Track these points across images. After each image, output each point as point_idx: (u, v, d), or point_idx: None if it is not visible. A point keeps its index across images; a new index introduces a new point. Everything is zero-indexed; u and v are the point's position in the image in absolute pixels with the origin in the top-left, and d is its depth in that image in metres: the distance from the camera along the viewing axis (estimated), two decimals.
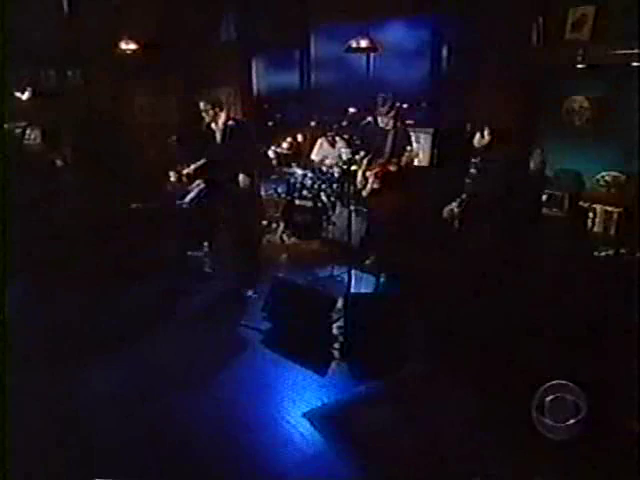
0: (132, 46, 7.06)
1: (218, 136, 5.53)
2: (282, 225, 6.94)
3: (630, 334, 3.49)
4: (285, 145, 7.59)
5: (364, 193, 5.85)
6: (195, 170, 5.76)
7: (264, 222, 7.06)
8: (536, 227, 5.24)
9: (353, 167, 5.81)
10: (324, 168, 7.00)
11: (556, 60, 5.88)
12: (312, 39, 8.04)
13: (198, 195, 5.78)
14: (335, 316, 4.66)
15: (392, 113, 5.50)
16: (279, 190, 7.21)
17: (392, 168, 5.59)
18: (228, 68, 7.73)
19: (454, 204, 5.49)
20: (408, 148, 5.57)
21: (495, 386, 3.71)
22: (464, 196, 5.43)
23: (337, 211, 6.74)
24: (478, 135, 5.48)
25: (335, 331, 4.62)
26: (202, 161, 5.67)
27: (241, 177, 5.42)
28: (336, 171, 6.88)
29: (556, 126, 6.13)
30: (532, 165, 5.80)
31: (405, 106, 5.93)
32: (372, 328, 4.50)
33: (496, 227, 5.15)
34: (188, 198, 5.80)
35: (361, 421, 3.73)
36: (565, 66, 5.84)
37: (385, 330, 4.53)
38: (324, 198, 6.86)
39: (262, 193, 7.34)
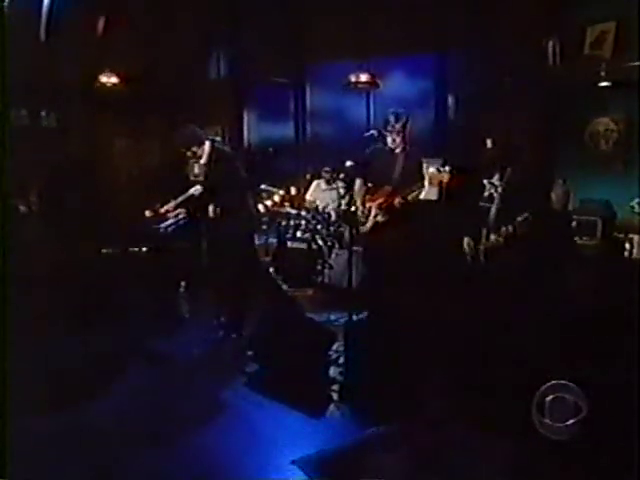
0: (113, 79, 6.79)
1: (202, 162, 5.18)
2: (272, 270, 6.46)
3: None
4: (277, 198, 7.19)
5: (364, 228, 5.28)
6: (176, 206, 5.40)
7: None
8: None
9: (353, 207, 5.40)
10: (320, 207, 6.63)
11: (576, 79, 5.66)
12: (308, 79, 7.89)
13: (176, 222, 5.44)
14: (334, 355, 4.39)
15: (404, 132, 5.05)
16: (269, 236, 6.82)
17: (398, 200, 5.06)
18: (216, 109, 7.49)
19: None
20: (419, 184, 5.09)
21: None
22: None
23: (334, 253, 6.28)
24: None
25: (333, 371, 4.35)
26: (185, 195, 5.24)
27: (210, 208, 5.10)
28: (333, 212, 6.50)
29: (580, 152, 5.81)
30: (554, 197, 5.45)
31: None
32: (376, 366, 4.05)
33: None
34: (165, 224, 5.44)
35: (364, 468, 3.39)
36: (586, 86, 5.59)
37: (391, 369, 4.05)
38: (320, 241, 6.41)
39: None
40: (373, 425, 3.73)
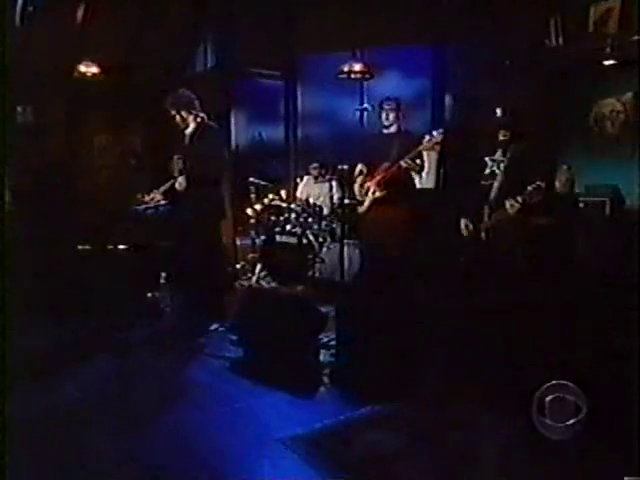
0: (93, 69, 6.57)
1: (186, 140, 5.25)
2: (259, 267, 6.34)
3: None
4: (266, 200, 7.09)
5: (362, 208, 5.34)
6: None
7: (237, 265, 6.57)
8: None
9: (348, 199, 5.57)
10: (311, 201, 6.58)
11: (579, 58, 5.50)
12: (299, 71, 7.82)
13: (156, 208, 5.41)
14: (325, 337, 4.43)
15: (398, 111, 5.27)
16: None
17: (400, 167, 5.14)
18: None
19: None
20: (418, 161, 5.19)
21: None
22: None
23: (326, 247, 6.20)
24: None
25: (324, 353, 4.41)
26: (170, 183, 5.24)
27: (180, 179, 5.10)
28: (324, 205, 6.47)
29: (584, 136, 5.65)
30: (558, 185, 5.47)
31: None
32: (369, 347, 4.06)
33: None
34: (144, 206, 5.43)
35: (354, 445, 3.45)
36: (590, 65, 5.43)
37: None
38: (311, 237, 6.29)
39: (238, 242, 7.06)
40: (363, 406, 3.77)
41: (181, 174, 5.14)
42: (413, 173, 5.28)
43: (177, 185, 5.12)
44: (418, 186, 5.42)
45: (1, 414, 2.60)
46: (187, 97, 5.21)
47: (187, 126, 5.18)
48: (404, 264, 5.05)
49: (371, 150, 5.37)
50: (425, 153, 6.06)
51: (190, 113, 5.14)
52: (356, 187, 5.42)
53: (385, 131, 5.33)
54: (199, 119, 5.18)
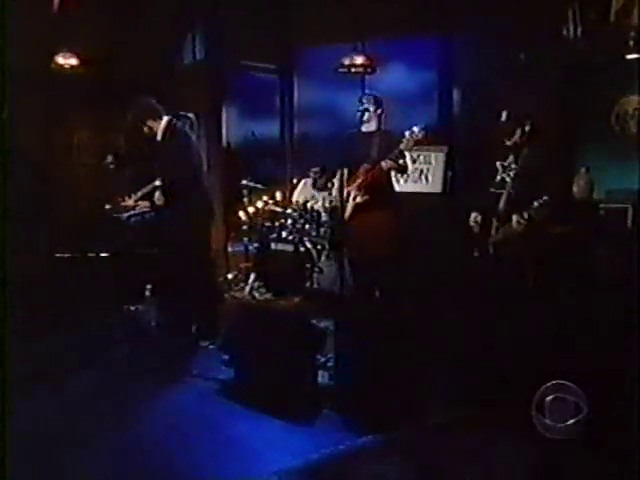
0: (72, 61, 6.25)
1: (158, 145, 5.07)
2: (253, 277, 6.09)
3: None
4: (260, 204, 6.82)
5: (345, 215, 5.06)
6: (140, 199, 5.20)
7: (229, 275, 6.32)
8: None
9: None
10: (308, 206, 6.29)
11: (599, 52, 5.30)
12: (295, 65, 7.60)
13: (141, 214, 5.22)
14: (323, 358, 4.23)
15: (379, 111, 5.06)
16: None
17: (376, 171, 4.88)
18: (191, 97, 7.01)
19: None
20: (400, 161, 4.91)
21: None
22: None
23: (325, 256, 5.94)
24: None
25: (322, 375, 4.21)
26: (151, 186, 5.04)
27: (157, 194, 4.96)
28: (322, 210, 6.18)
29: (605, 137, 5.49)
30: (576, 190, 5.32)
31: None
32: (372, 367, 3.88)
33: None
34: (128, 214, 5.24)
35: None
36: (612, 59, 5.24)
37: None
38: (308, 244, 6.04)
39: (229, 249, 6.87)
40: (364, 434, 3.60)
41: (157, 179, 5.00)
42: (398, 175, 5.14)
43: (156, 200, 4.99)
44: (398, 189, 5.28)
45: None
46: (149, 105, 5.05)
47: (156, 134, 5.02)
48: (398, 277, 4.91)
49: (351, 152, 5.12)
50: (433, 154, 5.90)
51: (156, 121, 4.99)
52: (334, 191, 5.28)
53: (364, 130, 5.10)
54: (166, 124, 5.01)
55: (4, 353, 2.57)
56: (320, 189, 6.62)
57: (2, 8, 2.51)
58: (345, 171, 4.98)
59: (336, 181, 5.15)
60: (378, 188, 4.92)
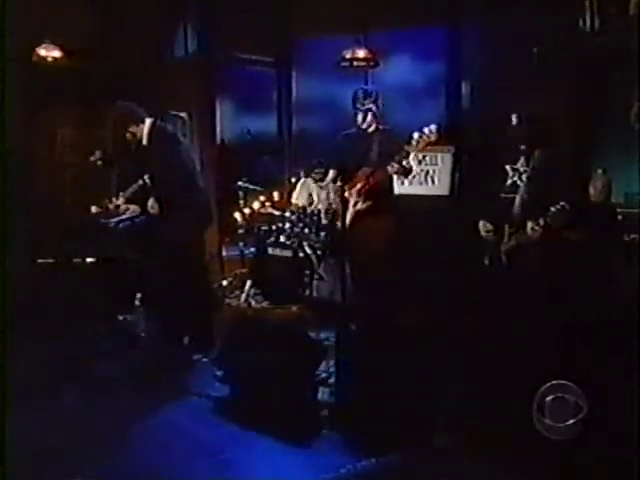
0: (55, 53, 6.07)
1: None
2: (249, 284, 5.98)
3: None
4: (256, 205, 6.75)
5: (345, 222, 4.94)
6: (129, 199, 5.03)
7: (224, 282, 6.22)
8: None
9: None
10: (308, 210, 6.21)
11: (618, 45, 5.11)
12: (294, 58, 7.48)
13: (131, 218, 5.04)
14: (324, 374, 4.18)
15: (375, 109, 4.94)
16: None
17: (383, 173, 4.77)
18: (183, 94, 6.87)
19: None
20: (404, 163, 4.78)
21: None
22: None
23: (326, 262, 5.85)
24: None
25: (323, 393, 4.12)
26: (138, 184, 4.89)
27: (150, 201, 4.84)
28: (322, 213, 6.04)
29: (623, 136, 5.34)
30: (592, 191, 5.10)
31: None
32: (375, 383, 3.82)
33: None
34: (116, 219, 5.08)
35: None
36: (631, 53, 4.90)
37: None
38: (308, 249, 5.94)
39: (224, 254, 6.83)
40: (367, 457, 3.53)
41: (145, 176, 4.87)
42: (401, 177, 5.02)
43: (149, 208, 4.86)
44: (402, 191, 5.25)
45: None
46: (128, 110, 4.91)
47: (141, 139, 4.90)
48: (403, 287, 4.85)
49: (349, 153, 5.01)
50: (439, 155, 5.74)
51: (138, 126, 4.86)
52: (332, 196, 5.22)
53: (363, 128, 4.98)
54: (150, 126, 4.89)
55: None
56: (321, 188, 6.50)
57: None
58: (344, 175, 4.85)
59: (333, 185, 5.14)
60: (380, 193, 4.82)
